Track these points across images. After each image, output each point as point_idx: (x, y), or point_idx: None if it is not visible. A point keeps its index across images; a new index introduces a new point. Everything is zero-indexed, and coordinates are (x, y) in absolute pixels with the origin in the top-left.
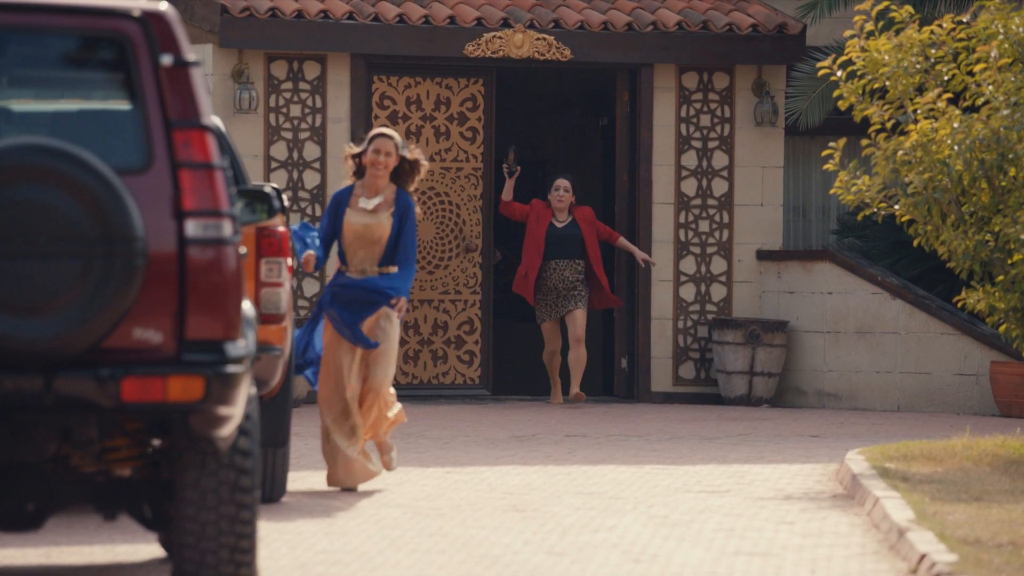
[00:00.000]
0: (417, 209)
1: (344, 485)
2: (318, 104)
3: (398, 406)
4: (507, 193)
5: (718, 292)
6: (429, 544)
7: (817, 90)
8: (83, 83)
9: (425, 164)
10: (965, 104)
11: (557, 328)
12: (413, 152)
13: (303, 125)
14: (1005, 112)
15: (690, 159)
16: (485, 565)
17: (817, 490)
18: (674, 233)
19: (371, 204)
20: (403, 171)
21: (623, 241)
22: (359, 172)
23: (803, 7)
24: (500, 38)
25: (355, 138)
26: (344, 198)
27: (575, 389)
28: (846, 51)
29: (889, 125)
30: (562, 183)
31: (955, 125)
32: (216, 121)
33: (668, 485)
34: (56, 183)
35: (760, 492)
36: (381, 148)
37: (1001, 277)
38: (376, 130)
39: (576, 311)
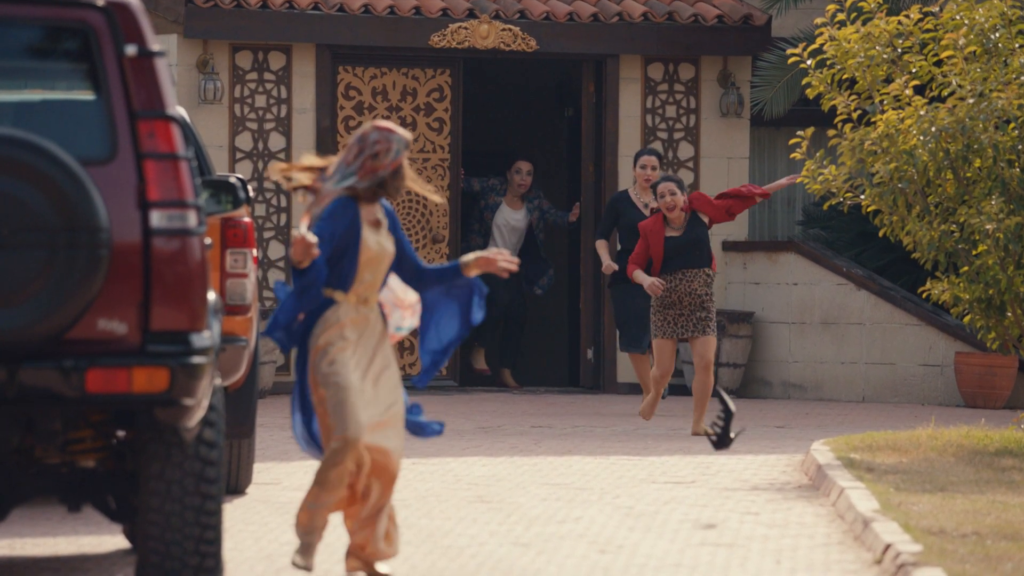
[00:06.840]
0: None
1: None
2: (283, 95)
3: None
4: (643, 279)
5: None
6: None
7: (782, 81)
8: (47, 73)
9: (406, 169)
10: (932, 94)
11: (673, 348)
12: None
13: (268, 116)
14: (971, 101)
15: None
16: (451, 556)
17: (782, 481)
18: None
19: (375, 216)
20: (387, 178)
21: (761, 189)
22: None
23: None
24: (466, 29)
25: (320, 129)
26: (358, 208)
27: (702, 424)
28: (817, 39)
29: (855, 116)
30: (666, 187)
31: (921, 113)
32: (181, 112)
33: (634, 476)
34: (20, 173)
35: (726, 483)
36: (380, 151)
37: (966, 268)
38: (374, 124)
39: (706, 338)
